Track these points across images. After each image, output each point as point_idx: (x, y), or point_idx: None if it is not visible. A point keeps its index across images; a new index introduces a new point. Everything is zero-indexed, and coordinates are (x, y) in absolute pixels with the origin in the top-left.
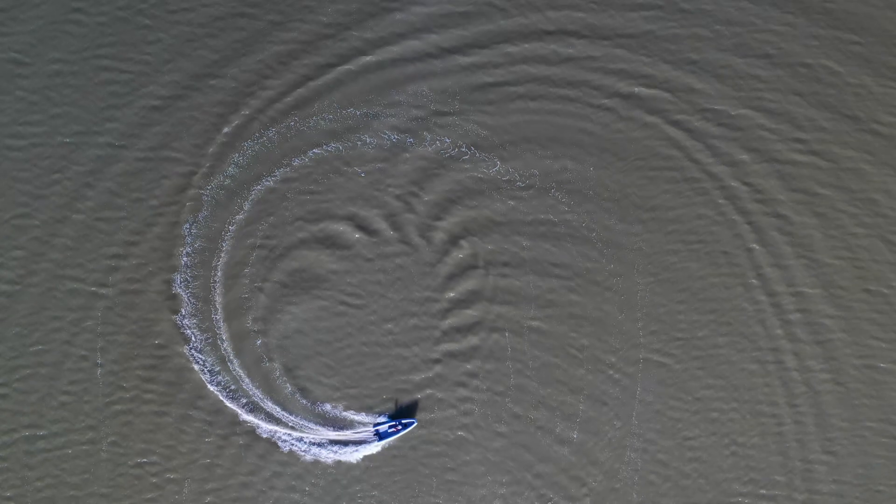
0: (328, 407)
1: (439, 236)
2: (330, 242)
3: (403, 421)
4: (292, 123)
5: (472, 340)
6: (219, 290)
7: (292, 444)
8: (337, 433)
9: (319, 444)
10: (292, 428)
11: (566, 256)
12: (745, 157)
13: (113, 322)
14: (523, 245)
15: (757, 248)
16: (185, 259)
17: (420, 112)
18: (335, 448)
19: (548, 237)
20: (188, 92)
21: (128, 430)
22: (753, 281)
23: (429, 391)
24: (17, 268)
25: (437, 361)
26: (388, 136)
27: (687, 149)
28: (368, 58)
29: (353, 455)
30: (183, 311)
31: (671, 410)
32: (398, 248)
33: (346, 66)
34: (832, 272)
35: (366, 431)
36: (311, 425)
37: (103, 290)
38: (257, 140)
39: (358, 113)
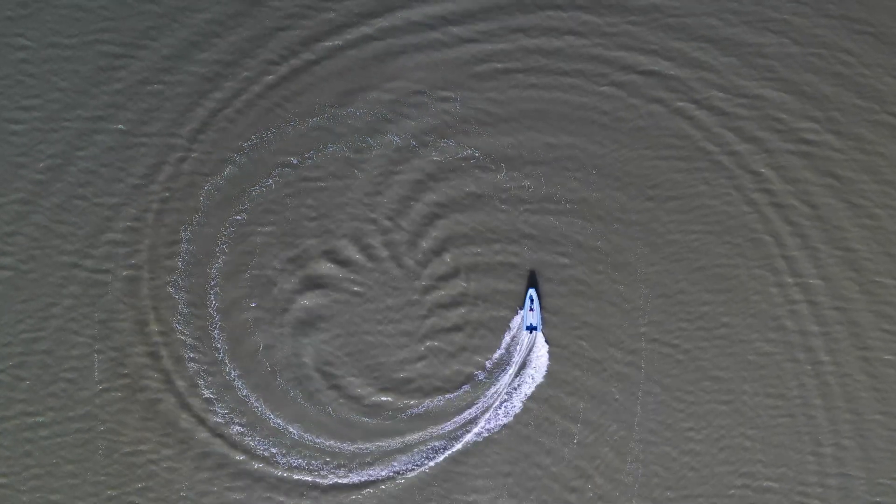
0: (483, 370)
1: (436, 230)
2: (329, 248)
3: (531, 295)
4: (292, 123)
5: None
6: (217, 296)
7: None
8: (515, 368)
9: (513, 392)
10: (487, 411)
11: (569, 245)
12: (756, 140)
13: (112, 308)
14: (524, 234)
15: (767, 235)
16: (182, 258)
17: (422, 109)
18: (525, 379)
19: (550, 223)
20: (190, 74)
21: (125, 418)
22: (760, 270)
23: (428, 379)
24: (15, 252)
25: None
26: (391, 137)
27: (697, 131)
28: (369, 32)
29: (543, 361)
30: (180, 312)
31: (675, 400)
32: (399, 246)
33: (349, 50)
34: (842, 260)
35: (524, 337)
36: (496, 390)
37: (102, 276)
38: (257, 140)
39: (358, 113)
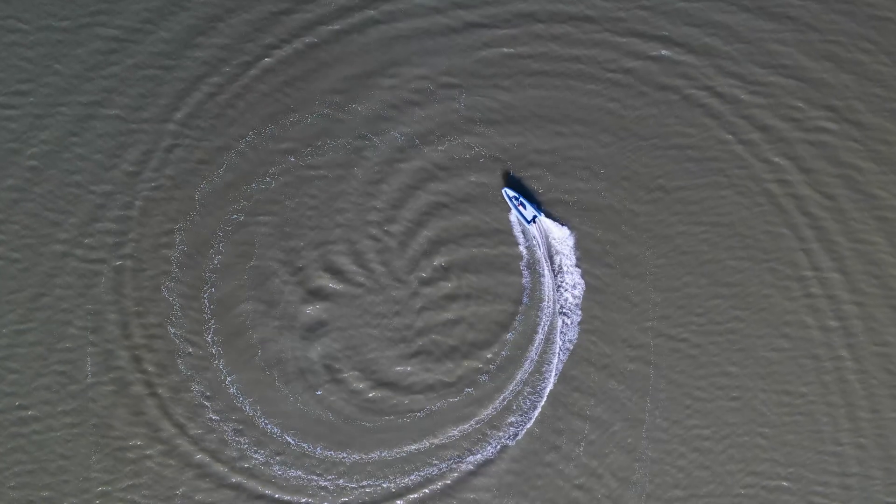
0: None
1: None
2: (331, 245)
3: (508, 195)
4: (292, 117)
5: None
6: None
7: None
8: (546, 261)
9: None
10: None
11: (575, 236)
12: (771, 129)
13: (105, 300)
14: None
15: (781, 227)
16: (176, 257)
17: (426, 96)
18: (564, 269)
19: (556, 215)
20: (188, 58)
21: (118, 412)
22: (774, 263)
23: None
24: (6, 241)
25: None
26: (393, 132)
27: (710, 120)
28: (373, 15)
29: (565, 238)
30: (173, 318)
31: (685, 396)
32: (402, 240)
33: (352, 34)
34: (860, 254)
35: (533, 231)
36: (546, 301)
37: (95, 266)
38: (256, 135)
39: (359, 106)
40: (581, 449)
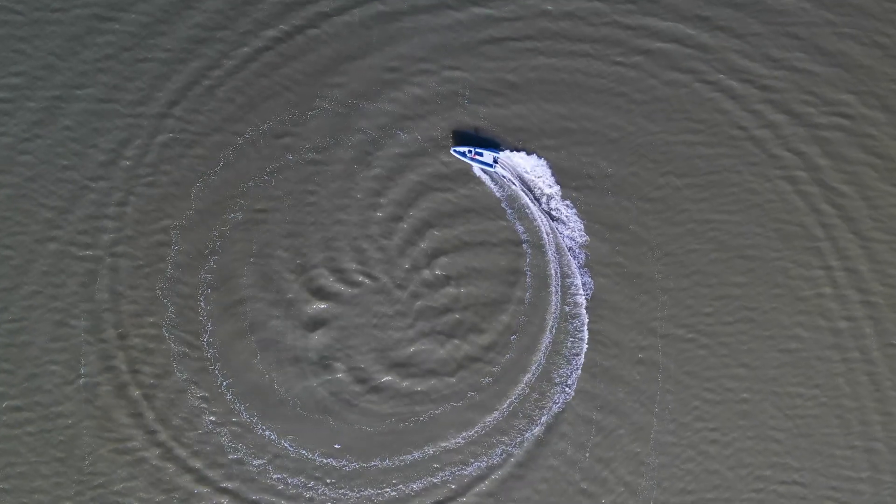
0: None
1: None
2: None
3: (459, 152)
4: (290, 117)
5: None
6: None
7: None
8: (527, 194)
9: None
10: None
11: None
12: (790, 115)
13: (101, 297)
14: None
15: (795, 225)
16: (172, 257)
17: (427, 76)
18: (541, 189)
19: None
20: (186, 47)
21: (114, 412)
22: (786, 261)
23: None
24: None
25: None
26: (395, 131)
27: (725, 104)
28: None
29: (521, 159)
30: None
31: (697, 388)
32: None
33: (348, 14)
34: (874, 247)
35: (500, 173)
36: (545, 231)
37: (91, 261)
38: (254, 131)
39: (361, 105)
40: (587, 452)
